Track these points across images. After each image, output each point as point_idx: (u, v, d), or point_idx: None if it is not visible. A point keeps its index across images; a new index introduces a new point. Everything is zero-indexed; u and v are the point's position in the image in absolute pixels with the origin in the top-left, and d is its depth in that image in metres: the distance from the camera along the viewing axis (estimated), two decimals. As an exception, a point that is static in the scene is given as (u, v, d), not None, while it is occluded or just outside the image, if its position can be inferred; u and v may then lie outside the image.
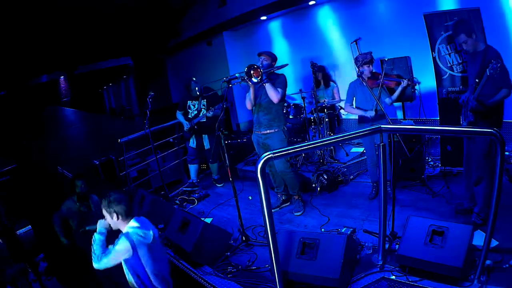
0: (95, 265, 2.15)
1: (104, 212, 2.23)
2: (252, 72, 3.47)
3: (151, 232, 2.23)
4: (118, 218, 2.20)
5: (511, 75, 2.76)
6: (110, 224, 2.25)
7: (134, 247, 2.14)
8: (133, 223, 2.22)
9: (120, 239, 2.15)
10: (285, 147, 2.17)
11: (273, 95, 3.62)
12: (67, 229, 3.72)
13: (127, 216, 2.22)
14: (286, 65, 3.83)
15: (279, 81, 3.72)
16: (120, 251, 2.12)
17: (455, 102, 3.20)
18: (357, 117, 4.06)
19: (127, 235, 2.15)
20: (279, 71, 3.81)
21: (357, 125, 4.02)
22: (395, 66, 4.56)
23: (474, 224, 2.76)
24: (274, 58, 3.81)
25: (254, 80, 3.48)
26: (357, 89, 3.96)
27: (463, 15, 3.68)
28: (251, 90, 3.75)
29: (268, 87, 3.60)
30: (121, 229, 2.25)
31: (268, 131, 3.82)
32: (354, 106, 4.00)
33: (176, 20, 8.64)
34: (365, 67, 3.77)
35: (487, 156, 2.89)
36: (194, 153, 5.09)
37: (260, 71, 3.48)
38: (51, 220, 3.68)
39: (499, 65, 2.49)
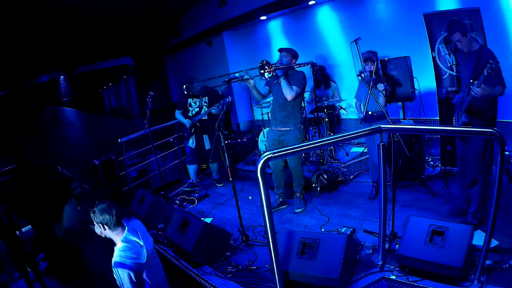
0: None
1: (94, 222, 2.21)
2: (266, 67, 3.45)
3: (144, 251, 2.18)
4: (105, 229, 2.18)
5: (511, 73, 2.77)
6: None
7: (135, 268, 2.10)
8: (121, 243, 2.16)
9: (116, 275, 2.09)
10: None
11: (287, 92, 3.58)
12: (72, 235, 3.70)
13: (114, 226, 2.17)
14: (309, 63, 3.79)
15: (296, 78, 3.67)
16: (126, 280, 2.08)
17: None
18: (357, 117, 4.05)
19: (117, 265, 2.08)
20: (299, 68, 3.75)
21: (357, 125, 4.02)
22: (395, 66, 4.55)
23: (471, 225, 2.76)
24: (294, 54, 3.75)
25: (267, 75, 3.46)
26: (360, 86, 3.95)
27: (463, 15, 3.68)
28: (251, 88, 3.73)
29: (282, 83, 3.56)
30: (113, 239, 2.22)
31: (283, 128, 3.78)
32: (360, 105, 3.98)
33: (176, 20, 8.65)
34: (364, 64, 3.76)
35: (482, 157, 2.90)
36: (192, 153, 5.06)
37: (272, 67, 3.45)
38: (52, 232, 3.69)
39: (498, 65, 2.49)
